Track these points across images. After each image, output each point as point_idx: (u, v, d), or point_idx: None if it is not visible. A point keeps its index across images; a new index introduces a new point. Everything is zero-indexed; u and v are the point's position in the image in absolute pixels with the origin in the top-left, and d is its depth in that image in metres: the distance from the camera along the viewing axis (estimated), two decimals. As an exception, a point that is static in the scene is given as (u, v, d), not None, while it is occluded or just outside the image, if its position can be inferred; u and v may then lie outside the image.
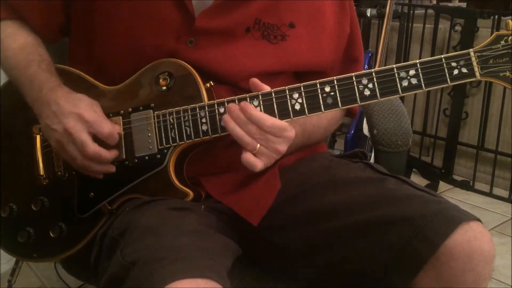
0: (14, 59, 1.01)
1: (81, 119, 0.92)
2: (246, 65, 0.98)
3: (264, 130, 0.88)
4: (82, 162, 0.94)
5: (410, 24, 2.96)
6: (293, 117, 0.90)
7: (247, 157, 0.89)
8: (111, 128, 0.94)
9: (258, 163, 0.90)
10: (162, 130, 0.95)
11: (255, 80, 0.91)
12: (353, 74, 0.89)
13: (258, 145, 0.89)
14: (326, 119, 1.08)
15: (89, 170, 0.96)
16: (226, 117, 0.90)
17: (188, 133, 0.94)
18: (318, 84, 0.90)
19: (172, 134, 0.95)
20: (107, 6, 0.98)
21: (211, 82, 0.95)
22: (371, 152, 1.42)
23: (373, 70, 0.89)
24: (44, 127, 0.96)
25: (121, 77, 0.99)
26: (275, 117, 0.90)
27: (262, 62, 0.99)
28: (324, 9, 1.04)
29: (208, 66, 0.97)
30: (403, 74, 0.88)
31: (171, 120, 0.95)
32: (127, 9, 0.97)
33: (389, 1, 2.52)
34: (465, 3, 3.13)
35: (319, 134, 1.11)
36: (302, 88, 0.90)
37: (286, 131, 0.90)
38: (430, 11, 2.91)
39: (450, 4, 3.27)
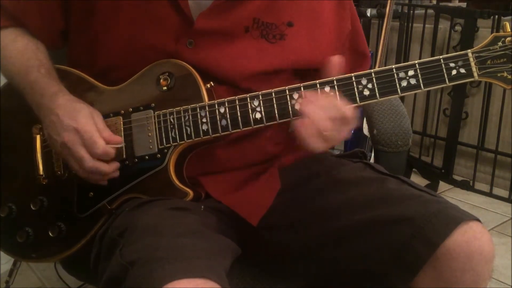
0: (15, 66, 1.00)
1: (78, 134, 0.91)
2: (246, 65, 0.98)
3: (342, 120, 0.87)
4: (82, 174, 0.95)
5: (410, 24, 2.95)
6: (293, 117, 0.90)
7: (314, 141, 0.87)
8: (104, 147, 0.92)
9: (321, 145, 0.87)
10: (163, 130, 0.95)
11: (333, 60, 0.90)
12: (352, 74, 0.90)
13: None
14: None
15: (91, 179, 0.96)
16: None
17: (189, 132, 0.94)
18: (318, 84, 0.90)
19: (173, 133, 0.95)
20: (106, 9, 0.98)
21: (211, 82, 0.95)
22: (371, 152, 1.42)
23: (372, 70, 0.89)
24: (47, 135, 0.96)
25: (122, 79, 0.99)
26: (276, 117, 0.90)
27: (261, 62, 0.99)
28: (323, 7, 1.04)
29: (207, 67, 0.97)
30: (402, 74, 0.88)
31: (172, 120, 0.95)
32: (126, 11, 0.97)
33: (389, 1, 2.51)
34: (465, 3, 3.13)
35: None
36: (302, 88, 0.90)
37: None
38: (430, 11, 2.91)
39: (450, 4, 3.27)
